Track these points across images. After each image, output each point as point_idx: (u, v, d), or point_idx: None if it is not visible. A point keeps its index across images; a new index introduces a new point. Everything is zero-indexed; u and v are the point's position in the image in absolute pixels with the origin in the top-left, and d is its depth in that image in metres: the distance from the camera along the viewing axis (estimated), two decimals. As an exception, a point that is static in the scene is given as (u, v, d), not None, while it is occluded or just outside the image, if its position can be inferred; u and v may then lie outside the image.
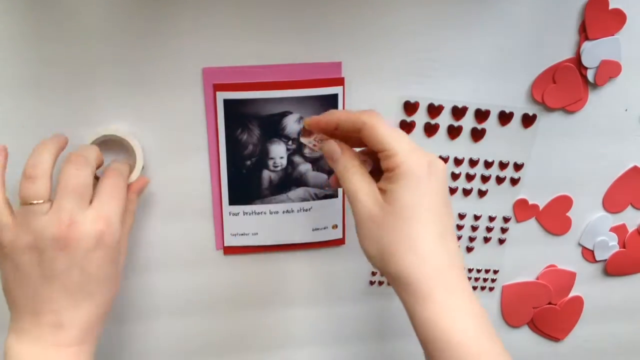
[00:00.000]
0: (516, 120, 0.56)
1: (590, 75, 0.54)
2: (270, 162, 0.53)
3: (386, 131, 0.42)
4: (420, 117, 0.55)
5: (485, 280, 0.64)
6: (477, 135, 0.56)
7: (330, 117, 0.45)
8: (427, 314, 0.40)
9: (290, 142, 0.53)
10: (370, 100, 0.53)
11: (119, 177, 0.47)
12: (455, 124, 0.55)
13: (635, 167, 0.60)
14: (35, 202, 0.42)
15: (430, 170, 0.41)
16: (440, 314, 0.39)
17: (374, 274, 0.62)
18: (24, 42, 0.47)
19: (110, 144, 0.51)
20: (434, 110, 0.55)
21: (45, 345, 0.42)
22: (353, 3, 0.49)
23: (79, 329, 0.43)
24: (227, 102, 0.51)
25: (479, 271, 0.64)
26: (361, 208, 0.42)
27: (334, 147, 0.45)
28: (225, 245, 0.57)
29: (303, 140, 0.47)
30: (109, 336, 0.60)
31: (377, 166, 0.45)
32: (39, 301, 0.42)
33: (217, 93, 0.50)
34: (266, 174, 0.54)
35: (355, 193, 0.42)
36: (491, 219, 0.61)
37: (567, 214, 0.62)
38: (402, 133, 0.42)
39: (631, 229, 0.64)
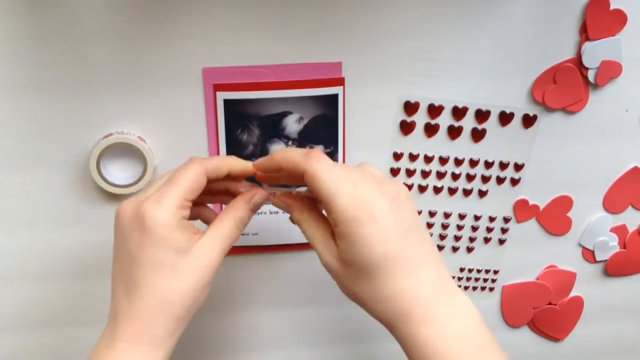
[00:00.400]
0: (517, 120, 0.56)
1: (591, 75, 0.54)
2: (270, 162, 0.53)
3: (325, 182, 0.39)
4: (421, 118, 0.55)
5: (485, 280, 0.64)
6: (478, 135, 0.56)
7: (270, 161, 0.43)
8: (423, 338, 0.39)
9: (290, 142, 0.53)
10: (371, 100, 0.53)
11: (190, 165, 0.42)
12: (456, 124, 0.55)
13: (635, 168, 0.60)
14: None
15: (375, 215, 0.38)
16: (436, 337, 0.39)
17: (374, 274, 0.62)
18: (25, 44, 0.47)
19: (120, 148, 0.51)
20: (435, 110, 0.54)
21: (105, 340, 0.41)
22: (353, 3, 0.49)
23: (129, 322, 0.40)
24: (227, 102, 0.51)
25: (479, 271, 0.64)
26: (322, 261, 0.42)
27: (280, 204, 0.45)
28: (225, 245, 0.57)
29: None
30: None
31: None
32: (112, 289, 0.42)
33: (217, 93, 0.50)
34: (266, 174, 0.54)
35: (314, 246, 0.42)
36: (491, 219, 0.61)
37: (568, 214, 0.62)
38: (343, 180, 0.39)
39: (631, 229, 0.64)
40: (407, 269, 0.39)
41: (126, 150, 0.51)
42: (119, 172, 0.52)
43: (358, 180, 0.39)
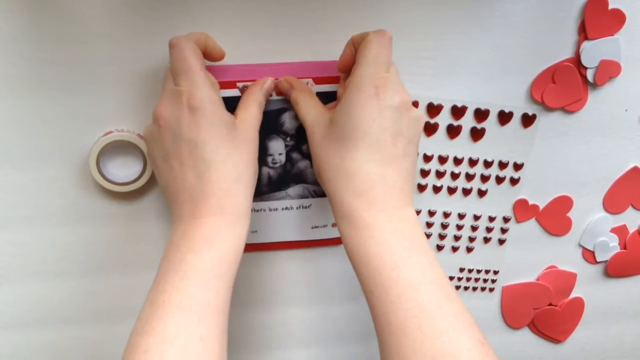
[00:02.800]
0: (516, 120, 0.56)
1: (589, 75, 0.54)
2: (269, 159, 0.53)
3: (369, 46, 0.43)
4: (420, 116, 0.55)
5: (485, 281, 0.64)
6: (477, 134, 0.56)
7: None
8: (354, 238, 0.42)
9: (288, 139, 0.53)
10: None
11: (180, 46, 0.43)
12: (455, 123, 0.55)
13: (635, 168, 0.60)
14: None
15: (380, 92, 0.42)
16: (366, 239, 0.41)
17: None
18: (25, 43, 0.47)
19: (120, 146, 0.51)
20: (434, 109, 0.55)
21: (186, 223, 0.42)
22: (353, 2, 0.49)
23: (210, 197, 0.42)
24: (226, 100, 0.51)
25: (479, 272, 0.63)
26: (309, 134, 0.46)
27: (284, 84, 0.49)
28: (224, 243, 0.57)
29: None
30: (106, 335, 0.60)
31: None
32: (171, 186, 0.44)
33: (217, 91, 0.51)
34: (265, 170, 0.54)
35: (304, 119, 0.47)
36: (491, 219, 0.61)
37: (568, 214, 0.61)
38: (381, 57, 0.43)
39: (632, 229, 0.63)
40: (380, 158, 0.42)
41: (125, 148, 0.51)
42: (118, 170, 0.52)
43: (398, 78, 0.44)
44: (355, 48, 0.45)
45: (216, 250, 0.41)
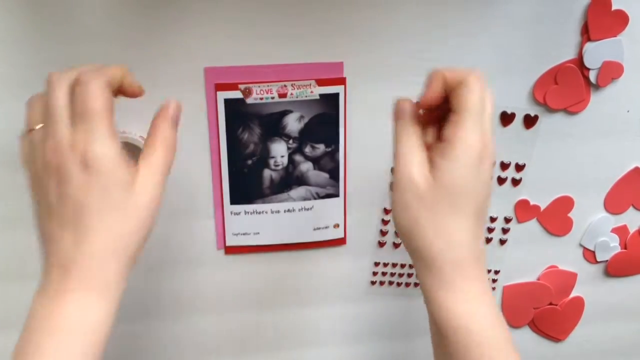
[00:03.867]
0: (518, 121, 0.56)
1: (592, 76, 0.54)
2: (271, 161, 0.53)
3: (476, 97, 0.39)
4: (422, 117, 0.55)
5: (486, 280, 0.64)
6: (479, 135, 0.56)
7: (438, 73, 0.41)
8: (446, 300, 0.40)
9: (291, 141, 0.53)
10: (372, 100, 0.53)
11: (90, 82, 0.37)
12: (457, 124, 0.55)
13: (636, 168, 0.60)
14: (35, 127, 0.39)
15: (485, 155, 0.39)
16: (460, 302, 0.39)
17: (374, 274, 0.62)
18: (26, 42, 0.47)
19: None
20: (436, 110, 0.54)
21: (51, 292, 0.37)
22: (355, 3, 0.49)
23: (81, 269, 0.37)
24: (228, 102, 0.51)
25: (479, 271, 0.64)
26: (404, 174, 0.40)
27: (403, 105, 0.42)
28: (226, 245, 0.57)
29: None
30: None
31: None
32: (45, 240, 0.39)
33: (218, 92, 0.50)
34: (267, 173, 0.54)
35: (402, 156, 0.41)
36: (492, 219, 0.61)
37: (569, 214, 0.62)
38: (487, 108, 0.40)
39: (632, 230, 0.63)
40: (479, 225, 0.40)
41: (127, 150, 0.51)
42: None
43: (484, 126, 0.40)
44: (449, 89, 0.40)
45: (78, 335, 0.37)
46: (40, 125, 0.39)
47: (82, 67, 0.39)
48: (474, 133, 0.38)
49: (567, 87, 0.54)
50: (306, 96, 0.51)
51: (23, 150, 0.40)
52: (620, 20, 0.52)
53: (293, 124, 0.52)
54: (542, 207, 0.61)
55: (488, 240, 0.62)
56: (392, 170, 0.42)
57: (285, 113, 0.51)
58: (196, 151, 0.53)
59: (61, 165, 0.36)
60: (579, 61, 0.54)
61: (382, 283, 0.62)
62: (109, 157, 0.37)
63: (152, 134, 0.41)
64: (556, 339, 0.69)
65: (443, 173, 0.39)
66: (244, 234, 0.56)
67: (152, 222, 0.40)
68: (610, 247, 0.64)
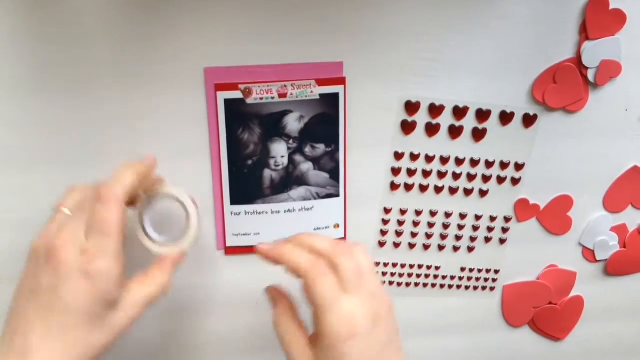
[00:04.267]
0: (517, 120, 0.56)
1: (590, 75, 0.54)
2: (272, 161, 0.53)
3: (321, 296, 0.40)
4: (422, 117, 0.55)
5: (486, 280, 0.64)
6: (478, 135, 0.56)
7: (275, 254, 0.44)
8: None
9: (291, 141, 0.53)
10: (372, 100, 0.53)
11: (111, 202, 0.41)
12: (457, 123, 0.55)
13: (635, 167, 0.60)
14: (64, 210, 0.43)
15: (356, 332, 0.39)
16: None
17: (374, 273, 0.62)
18: (25, 43, 0.47)
19: (161, 201, 0.49)
20: (435, 110, 0.55)
21: None
22: (354, 3, 0.49)
23: None
24: (227, 102, 0.51)
25: (479, 271, 0.64)
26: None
27: (270, 295, 0.47)
28: (227, 245, 0.57)
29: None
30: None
31: None
32: (16, 315, 0.40)
33: (218, 93, 0.50)
34: (267, 173, 0.54)
35: (290, 350, 0.43)
36: (492, 218, 0.61)
37: (568, 213, 0.62)
38: (337, 296, 0.40)
39: (631, 228, 0.64)
40: None
41: (171, 201, 0.49)
42: (157, 225, 0.49)
43: (353, 291, 0.40)
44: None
45: None
46: (68, 212, 0.43)
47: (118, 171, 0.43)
48: (335, 322, 0.39)
49: (565, 86, 0.55)
50: (306, 96, 0.51)
51: (47, 223, 0.43)
52: (618, 19, 0.52)
53: (293, 124, 0.52)
54: (542, 206, 0.61)
55: (488, 240, 0.62)
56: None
57: (285, 113, 0.51)
58: (196, 151, 0.53)
59: (65, 261, 0.39)
60: (578, 60, 0.54)
61: (382, 283, 0.62)
62: (109, 276, 0.40)
63: (157, 267, 0.45)
64: (556, 338, 0.69)
65: None
66: (244, 235, 0.56)
67: (118, 337, 0.42)
68: (609, 246, 0.64)
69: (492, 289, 0.65)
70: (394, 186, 0.58)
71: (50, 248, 0.40)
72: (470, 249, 0.62)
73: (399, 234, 0.60)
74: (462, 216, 0.60)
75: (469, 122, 0.55)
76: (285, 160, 0.53)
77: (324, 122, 0.53)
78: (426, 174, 0.58)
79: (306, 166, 0.54)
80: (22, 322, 0.39)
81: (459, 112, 0.55)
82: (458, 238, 0.61)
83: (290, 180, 0.54)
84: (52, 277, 0.39)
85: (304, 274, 0.41)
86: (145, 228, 0.48)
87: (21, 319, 0.40)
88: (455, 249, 0.62)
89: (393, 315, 0.43)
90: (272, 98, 0.50)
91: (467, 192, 0.59)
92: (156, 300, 0.44)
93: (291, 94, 0.51)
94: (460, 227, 0.61)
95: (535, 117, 0.56)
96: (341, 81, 0.51)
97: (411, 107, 0.54)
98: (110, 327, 0.41)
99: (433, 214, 0.60)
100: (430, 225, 0.60)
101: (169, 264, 0.46)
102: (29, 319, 0.39)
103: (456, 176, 0.58)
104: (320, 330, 0.40)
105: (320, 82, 0.50)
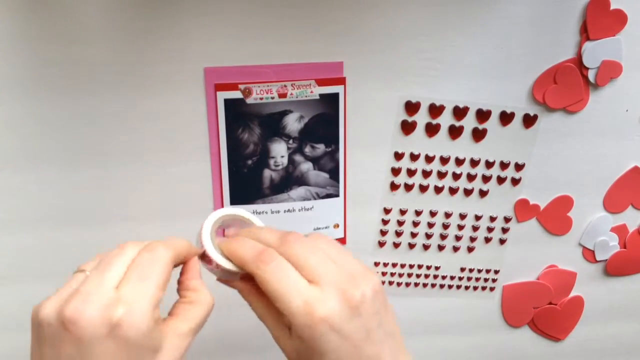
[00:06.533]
0: (517, 120, 0.56)
1: (591, 75, 0.54)
2: (271, 161, 0.53)
3: (275, 286, 0.36)
4: (422, 117, 0.55)
5: (486, 280, 0.64)
6: (478, 135, 0.56)
7: (226, 246, 0.40)
8: None
9: (291, 141, 0.53)
10: (372, 100, 0.53)
11: (159, 253, 0.35)
12: (457, 124, 0.55)
13: (635, 168, 0.60)
14: (83, 269, 0.36)
15: (333, 322, 0.36)
16: None
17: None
18: (25, 43, 0.47)
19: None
20: (436, 110, 0.55)
21: None
22: (355, 3, 0.49)
23: None
24: (227, 102, 0.51)
25: (479, 271, 0.64)
26: (275, 339, 0.40)
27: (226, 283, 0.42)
28: (226, 244, 0.57)
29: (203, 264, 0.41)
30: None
31: None
32: None
33: (218, 93, 0.50)
34: (267, 173, 0.54)
35: (265, 323, 0.40)
36: (492, 219, 0.61)
37: (568, 214, 0.62)
38: (295, 285, 0.36)
39: (632, 229, 0.64)
40: None
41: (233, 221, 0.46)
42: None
43: (317, 280, 0.37)
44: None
45: None
46: (87, 271, 0.35)
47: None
48: (300, 312, 0.36)
49: (566, 87, 0.54)
50: (306, 96, 0.51)
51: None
52: (619, 19, 0.52)
53: (293, 124, 0.52)
54: (542, 206, 0.61)
55: (488, 240, 0.62)
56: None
57: (285, 113, 0.51)
58: (196, 151, 0.53)
59: (91, 331, 0.31)
60: (578, 60, 0.54)
61: (382, 283, 0.62)
62: (147, 332, 0.33)
63: (185, 289, 0.39)
64: (556, 339, 0.69)
65: (297, 348, 0.37)
66: (244, 235, 0.56)
67: None
68: (609, 246, 0.64)
69: (492, 289, 0.65)
70: (394, 186, 0.58)
71: (64, 313, 0.32)
72: (470, 249, 0.62)
73: (398, 234, 0.60)
74: (462, 216, 0.60)
75: (469, 122, 0.55)
76: (285, 160, 0.53)
77: (324, 122, 0.53)
78: (426, 174, 0.58)
79: (306, 166, 0.54)
80: None
81: (459, 112, 0.55)
82: (458, 238, 0.61)
83: (290, 180, 0.54)
84: (74, 346, 0.32)
85: (252, 267, 0.37)
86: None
87: None
88: (455, 249, 0.62)
89: (382, 295, 0.39)
90: (272, 98, 0.50)
91: (467, 192, 0.59)
92: (203, 324, 0.38)
93: (291, 94, 0.51)
94: (460, 227, 0.61)
95: (535, 117, 0.56)
96: (341, 81, 0.51)
97: (411, 107, 0.54)
98: None
99: (433, 214, 0.60)
100: (430, 225, 0.60)
101: (199, 278, 0.39)
102: None
103: (456, 176, 0.58)
104: (288, 321, 0.37)
105: (320, 82, 0.50)
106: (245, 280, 0.41)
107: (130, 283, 0.33)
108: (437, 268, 0.63)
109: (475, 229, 0.61)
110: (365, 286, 0.38)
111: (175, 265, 0.38)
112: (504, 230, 0.62)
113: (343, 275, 0.37)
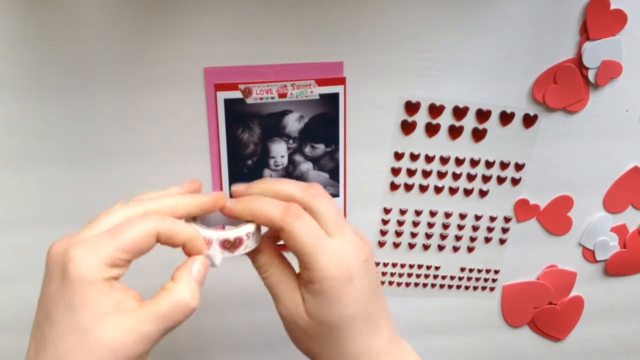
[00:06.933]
0: (517, 120, 0.56)
1: (591, 75, 0.54)
2: (271, 161, 0.53)
3: (306, 240, 0.36)
4: (422, 117, 0.55)
5: (486, 280, 0.64)
6: (478, 135, 0.56)
7: (245, 205, 0.38)
8: None
9: (291, 141, 0.53)
10: (372, 100, 0.53)
11: (144, 218, 0.34)
12: (457, 124, 0.55)
13: (635, 168, 0.60)
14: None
15: (352, 274, 0.37)
16: None
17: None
18: (25, 43, 0.47)
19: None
20: (435, 110, 0.55)
21: None
22: (355, 3, 0.49)
23: None
24: (227, 102, 0.51)
25: (479, 271, 0.64)
26: (283, 314, 0.40)
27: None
28: (226, 244, 0.57)
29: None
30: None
31: None
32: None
33: (218, 93, 0.50)
34: (267, 173, 0.54)
35: (276, 294, 0.40)
36: (492, 219, 0.61)
37: (568, 214, 0.62)
38: (323, 237, 0.37)
39: (632, 229, 0.64)
40: (370, 327, 0.39)
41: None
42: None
43: (338, 234, 0.38)
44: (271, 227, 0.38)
45: None
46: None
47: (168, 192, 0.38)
48: (331, 268, 0.37)
49: (566, 87, 0.54)
50: (306, 96, 0.51)
51: None
52: (619, 19, 0.52)
53: (293, 124, 0.52)
54: (542, 206, 0.61)
55: (488, 240, 0.62)
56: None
57: (285, 113, 0.51)
58: (196, 151, 0.53)
59: (52, 260, 0.33)
60: (578, 60, 0.54)
61: (382, 283, 0.62)
62: (86, 279, 0.31)
63: (177, 285, 0.35)
64: (556, 339, 0.69)
65: (317, 313, 0.38)
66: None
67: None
68: (609, 246, 0.64)
69: (492, 289, 0.65)
70: (394, 186, 0.58)
71: (50, 254, 0.34)
72: (470, 249, 0.62)
73: (398, 234, 0.60)
74: (462, 216, 0.60)
75: (469, 122, 0.55)
76: (285, 160, 0.53)
77: (324, 122, 0.53)
78: (426, 174, 0.58)
79: (306, 166, 0.54)
80: (30, 344, 0.34)
81: (459, 112, 0.55)
82: (458, 238, 0.61)
83: (290, 180, 0.54)
84: (42, 285, 0.34)
85: (281, 224, 0.37)
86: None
87: (30, 340, 0.34)
88: (455, 249, 0.62)
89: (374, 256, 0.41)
90: (272, 98, 0.50)
91: (467, 192, 0.59)
92: (175, 322, 0.35)
93: (291, 94, 0.51)
94: (460, 227, 0.61)
95: (535, 117, 0.56)
96: (341, 81, 0.51)
97: (411, 107, 0.54)
98: (97, 347, 0.31)
99: (433, 214, 0.60)
100: (430, 225, 0.60)
101: (190, 275, 0.36)
102: (31, 339, 0.34)
103: (456, 176, 0.58)
104: (311, 277, 0.37)
105: (320, 82, 0.50)
106: (266, 245, 0.40)
107: (101, 234, 0.33)
108: (437, 268, 0.63)
109: (475, 229, 0.61)
110: (367, 242, 0.40)
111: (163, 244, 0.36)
112: (504, 230, 0.62)
113: (353, 231, 0.39)
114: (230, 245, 0.38)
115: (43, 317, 0.33)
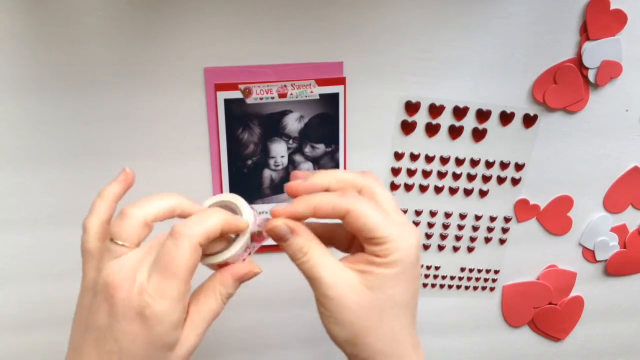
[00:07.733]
0: (517, 120, 0.56)
1: (591, 75, 0.54)
2: (272, 161, 0.53)
3: (375, 218, 0.36)
4: (422, 117, 0.55)
5: (486, 280, 0.64)
6: (479, 135, 0.56)
7: (305, 203, 0.38)
8: None
9: (291, 141, 0.53)
10: (372, 100, 0.53)
11: (183, 241, 0.35)
12: (457, 124, 0.55)
13: (635, 168, 0.60)
14: (118, 242, 0.36)
15: (417, 254, 0.38)
16: None
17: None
18: (25, 43, 0.47)
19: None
20: (436, 110, 0.55)
21: None
22: (355, 3, 0.49)
23: None
24: (227, 102, 0.51)
25: (479, 271, 0.64)
26: (332, 295, 0.37)
27: (281, 227, 0.38)
28: (226, 244, 0.57)
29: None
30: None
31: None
32: (74, 350, 0.37)
33: (218, 93, 0.50)
34: (267, 173, 0.54)
35: (319, 280, 0.37)
36: (492, 219, 0.61)
37: (568, 214, 0.62)
38: (390, 215, 0.38)
39: (632, 229, 0.64)
40: (415, 315, 0.39)
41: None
42: None
43: (398, 215, 0.39)
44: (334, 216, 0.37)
45: None
46: (126, 245, 0.36)
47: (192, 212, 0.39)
48: (402, 242, 0.37)
49: (566, 87, 0.54)
50: (306, 96, 0.51)
51: (99, 246, 0.39)
52: (619, 19, 0.52)
53: (293, 124, 0.52)
54: (542, 206, 0.61)
55: (488, 240, 0.62)
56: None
57: (285, 113, 0.51)
58: (196, 151, 0.53)
59: (121, 300, 0.34)
60: (578, 60, 0.54)
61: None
62: (167, 321, 0.35)
63: (216, 283, 0.38)
64: (556, 339, 0.69)
65: (385, 285, 0.37)
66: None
67: None
68: (609, 246, 0.64)
69: (491, 289, 0.65)
70: (394, 186, 0.58)
71: (103, 283, 0.35)
72: (470, 249, 0.62)
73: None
74: (462, 216, 0.60)
75: (469, 122, 0.55)
76: (285, 160, 0.53)
77: (324, 122, 0.53)
78: (426, 174, 0.58)
79: (306, 166, 0.54)
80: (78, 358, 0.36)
81: (459, 112, 0.55)
82: (458, 238, 0.61)
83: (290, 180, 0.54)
84: (108, 317, 0.35)
85: (346, 206, 0.36)
86: None
87: (77, 353, 0.37)
88: (455, 249, 0.62)
89: None
90: (272, 98, 0.50)
91: (467, 192, 0.59)
92: (216, 315, 0.38)
93: (291, 94, 0.51)
94: (460, 227, 0.61)
95: (535, 117, 0.56)
96: (341, 81, 0.51)
97: (411, 107, 0.54)
98: None
99: (433, 214, 0.60)
100: (430, 225, 0.60)
101: (232, 278, 0.38)
102: (83, 356, 0.36)
103: (456, 176, 0.58)
104: (382, 250, 0.36)
105: (320, 82, 0.50)
106: (300, 228, 0.39)
107: (157, 276, 0.35)
108: (437, 268, 0.63)
109: (475, 229, 0.61)
110: (417, 230, 0.40)
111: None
112: (504, 230, 0.62)
113: (406, 217, 0.41)
114: (257, 237, 0.40)
115: (109, 349, 0.35)
